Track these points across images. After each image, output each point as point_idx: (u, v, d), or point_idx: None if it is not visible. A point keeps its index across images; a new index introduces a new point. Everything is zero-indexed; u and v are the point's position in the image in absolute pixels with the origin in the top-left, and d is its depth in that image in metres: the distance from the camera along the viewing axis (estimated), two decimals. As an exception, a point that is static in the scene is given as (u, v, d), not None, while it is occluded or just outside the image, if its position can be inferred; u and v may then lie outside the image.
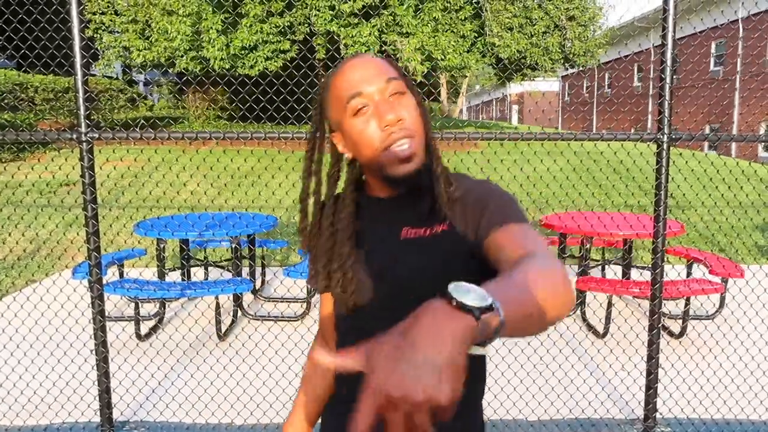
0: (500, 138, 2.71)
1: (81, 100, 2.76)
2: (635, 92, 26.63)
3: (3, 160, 11.34)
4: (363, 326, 1.03)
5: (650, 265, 2.72)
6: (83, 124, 2.77)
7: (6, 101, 12.48)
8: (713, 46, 21.18)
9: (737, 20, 19.43)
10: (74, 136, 2.81)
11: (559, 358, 3.64)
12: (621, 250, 6.60)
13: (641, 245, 7.07)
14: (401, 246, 1.01)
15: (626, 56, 26.72)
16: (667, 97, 2.47)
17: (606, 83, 29.59)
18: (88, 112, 2.78)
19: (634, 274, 5.84)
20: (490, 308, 0.60)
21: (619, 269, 5.96)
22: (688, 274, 4.99)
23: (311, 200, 1.08)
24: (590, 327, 4.22)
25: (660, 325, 2.69)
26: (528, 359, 3.42)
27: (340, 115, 1.00)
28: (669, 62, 2.43)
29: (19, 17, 3.09)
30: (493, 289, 0.65)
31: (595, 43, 13.30)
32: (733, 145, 19.58)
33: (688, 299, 3.95)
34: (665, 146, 2.53)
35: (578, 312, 4.56)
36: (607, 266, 5.92)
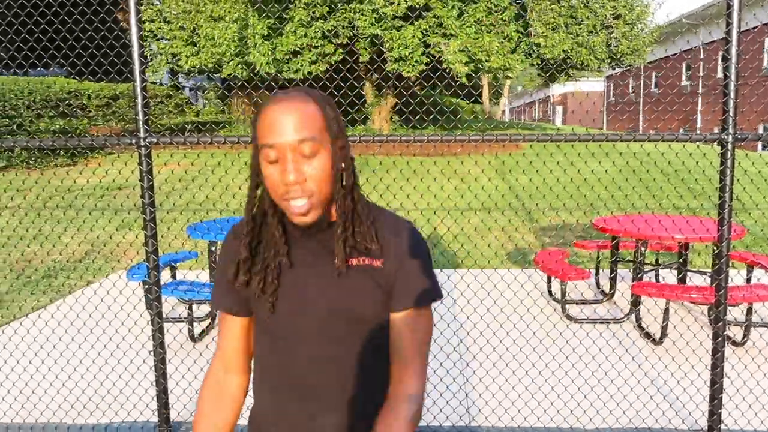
0: (542, 139, 2.65)
1: (140, 106, 2.83)
2: (683, 91, 25.78)
3: (59, 165, 11.81)
4: (281, 335, 1.09)
5: (714, 270, 2.62)
6: (142, 129, 2.84)
7: (61, 108, 12.99)
8: (766, 42, 20.30)
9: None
10: (133, 140, 2.89)
11: (618, 366, 3.54)
12: (675, 254, 6.39)
13: (695, 248, 6.82)
14: (333, 274, 1.08)
15: (674, 54, 25.91)
16: (732, 96, 2.37)
17: (653, 82, 28.75)
18: (146, 118, 2.85)
19: (690, 278, 5.64)
20: None
21: (671, 273, 5.77)
22: (748, 278, 4.79)
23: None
24: (648, 335, 4.09)
25: (725, 333, 2.58)
26: (586, 366, 3.35)
27: (258, 148, 1.04)
28: (734, 58, 2.33)
29: (81, 26, 3.20)
30: None
31: (643, 41, 12.94)
32: (792, 145, 18.71)
33: (750, 305, 3.78)
34: (730, 147, 2.42)
35: (633, 317, 4.43)
36: (659, 270, 5.74)
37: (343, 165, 1.06)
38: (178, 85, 21.73)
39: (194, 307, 4.77)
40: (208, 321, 4.44)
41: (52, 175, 10.80)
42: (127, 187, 9.86)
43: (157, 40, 13.95)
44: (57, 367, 3.67)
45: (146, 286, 4.57)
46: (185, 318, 4.38)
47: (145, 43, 14.37)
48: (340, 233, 1.06)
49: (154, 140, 2.85)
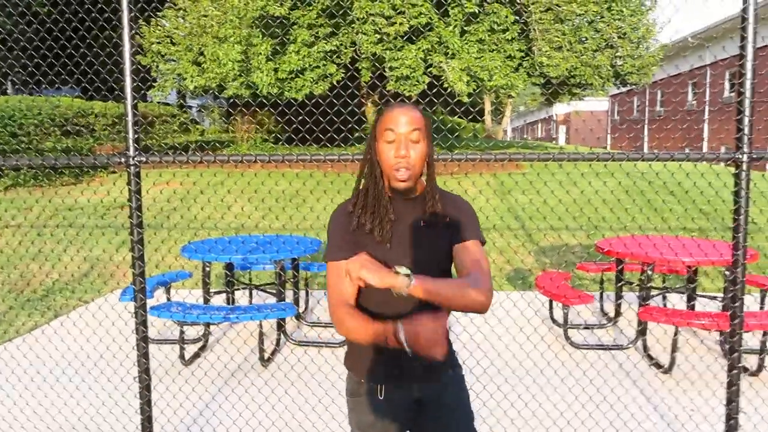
0: (544, 158, 2.53)
1: (130, 124, 2.74)
2: (690, 110, 25.71)
3: (65, 183, 11.78)
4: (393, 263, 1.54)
5: (728, 297, 2.48)
6: (131, 148, 2.75)
7: (66, 127, 13.00)
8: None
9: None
10: (122, 159, 2.79)
11: (625, 398, 3.37)
12: (682, 277, 6.22)
13: (704, 271, 6.65)
14: (421, 227, 1.60)
15: (679, 75, 25.89)
16: (747, 113, 2.25)
17: (658, 100, 28.71)
18: (136, 136, 2.76)
19: (699, 303, 5.47)
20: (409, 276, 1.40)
21: (678, 297, 5.60)
22: (762, 304, 4.62)
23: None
24: (657, 364, 3.92)
25: (741, 365, 2.43)
26: (590, 398, 3.19)
27: (379, 136, 1.57)
28: (749, 74, 2.21)
29: (87, 42, 3.13)
30: (422, 277, 1.42)
31: (649, 60, 12.87)
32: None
33: (765, 332, 3.62)
34: (745, 166, 2.30)
35: (639, 344, 4.26)
36: (665, 294, 5.57)
37: (428, 159, 1.58)
38: (184, 105, 21.80)
39: (185, 329, 4.63)
40: (199, 345, 4.30)
41: (53, 194, 10.74)
42: (125, 206, 9.78)
43: (166, 61, 14.02)
44: (40, 393, 3.53)
45: (134, 310, 4.45)
46: (173, 340, 4.25)
47: (152, 64, 14.33)
48: (429, 197, 1.60)
49: (143, 159, 2.75)
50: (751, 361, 3.88)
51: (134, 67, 2.73)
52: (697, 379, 3.63)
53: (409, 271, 1.40)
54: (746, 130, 2.25)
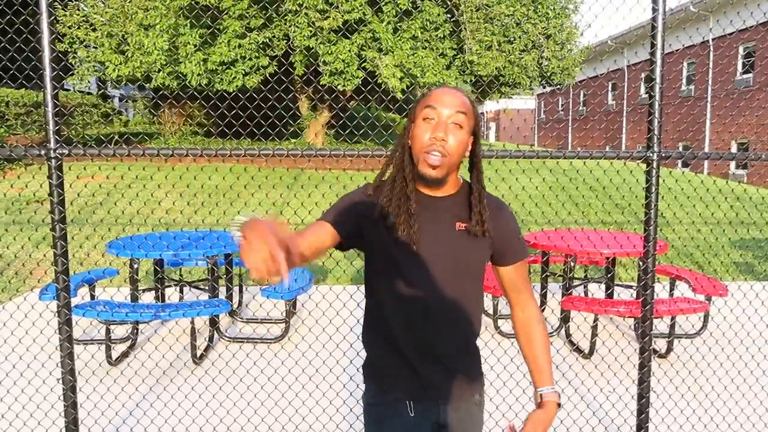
0: (488, 156, 2.63)
1: (50, 115, 2.62)
2: (609, 110, 27.08)
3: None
4: (410, 272, 1.38)
5: (640, 285, 2.67)
6: (52, 140, 2.64)
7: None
8: (684, 65, 21.68)
9: (707, 41, 19.94)
10: (43, 152, 2.67)
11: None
12: (602, 268, 6.60)
13: (622, 262, 7.07)
14: (456, 233, 1.39)
15: (600, 75, 27.20)
16: (657, 115, 2.43)
17: (581, 101, 30.06)
18: (57, 127, 2.65)
19: (616, 291, 5.82)
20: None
21: (598, 287, 5.94)
22: (671, 292, 4.98)
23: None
24: (578, 350, 4.15)
25: (651, 348, 2.63)
26: (517, 384, 3.34)
27: (417, 115, 1.37)
28: (658, 79, 2.39)
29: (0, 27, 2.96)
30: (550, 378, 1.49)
31: (572, 61, 13.49)
32: (706, 163, 20.01)
33: (673, 318, 3.92)
34: (655, 164, 2.48)
35: (563, 332, 4.50)
36: (586, 284, 5.89)
37: (472, 150, 1.39)
38: (108, 94, 20.83)
39: (112, 328, 4.48)
40: (127, 345, 4.17)
41: (-39, 187, 10.01)
42: (42, 201, 9.26)
43: (85, 47, 13.29)
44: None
45: (57, 309, 4.25)
46: (100, 340, 4.10)
47: (70, 50, 13.56)
48: (477, 201, 1.39)
49: (66, 152, 2.65)
50: (660, 345, 4.19)
51: (54, 55, 2.62)
52: (613, 362, 3.88)
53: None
54: (656, 131, 2.43)
